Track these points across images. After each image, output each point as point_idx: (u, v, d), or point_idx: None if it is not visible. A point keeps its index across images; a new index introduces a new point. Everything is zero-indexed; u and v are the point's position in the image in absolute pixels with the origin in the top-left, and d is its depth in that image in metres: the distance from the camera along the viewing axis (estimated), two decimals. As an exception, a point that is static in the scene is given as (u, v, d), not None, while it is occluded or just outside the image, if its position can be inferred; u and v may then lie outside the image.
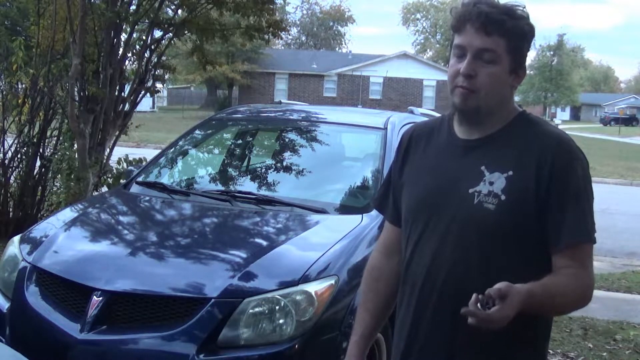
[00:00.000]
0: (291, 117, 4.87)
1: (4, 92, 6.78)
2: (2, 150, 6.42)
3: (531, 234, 1.60)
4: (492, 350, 1.63)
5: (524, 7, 1.65)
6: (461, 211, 1.64)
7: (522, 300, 1.47)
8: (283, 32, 7.32)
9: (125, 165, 6.02)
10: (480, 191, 1.62)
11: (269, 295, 2.74)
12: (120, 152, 6.48)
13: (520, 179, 1.60)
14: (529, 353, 1.67)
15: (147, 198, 3.92)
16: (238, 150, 4.84)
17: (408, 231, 1.77)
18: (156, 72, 6.71)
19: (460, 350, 1.63)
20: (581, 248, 1.60)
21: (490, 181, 1.62)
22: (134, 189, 4.03)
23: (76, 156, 5.89)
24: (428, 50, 73.01)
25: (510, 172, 1.61)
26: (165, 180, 4.19)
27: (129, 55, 6.52)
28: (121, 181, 5.17)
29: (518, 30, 1.61)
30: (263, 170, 4.40)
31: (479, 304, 1.44)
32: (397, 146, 1.92)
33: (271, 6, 6.76)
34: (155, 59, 6.57)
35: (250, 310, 2.69)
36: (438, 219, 1.68)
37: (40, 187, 6.58)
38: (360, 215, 3.41)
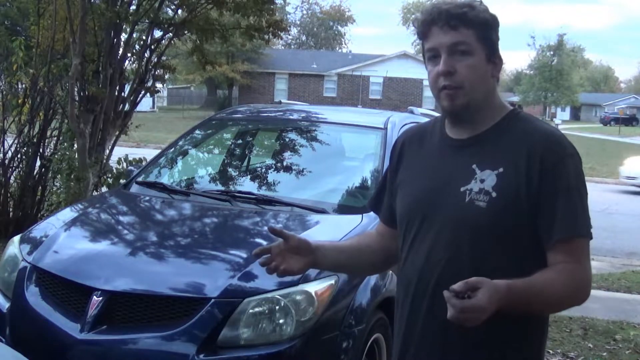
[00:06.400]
0: (291, 117, 4.87)
1: (4, 92, 6.79)
2: (2, 150, 6.42)
3: (524, 231, 1.59)
4: (484, 350, 1.63)
5: (481, 2, 1.68)
6: (453, 210, 1.64)
7: (501, 295, 1.46)
8: (283, 32, 7.33)
9: (125, 165, 6.02)
10: (471, 189, 1.62)
11: (269, 295, 2.75)
12: (120, 152, 6.48)
13: (511, 176, 1.59)
14: (523, 352, 1.66)
15: (147, 198, 3.92)
16: (238, 150, 4.84)
17: (403, 233, 1.78)
18: (156, 72, 6.71)
19: (452, 349, 1.64)
20: (574, 243, 1.59)
21: (482, 179, 1.62)
22: (134, 189, 4.03)
23: (76, 156, 5.90)
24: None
25: (501, 169, 1.61)
26: (165, 180, 4.19)
27: (129, 55, 6.53)
28: (121, 181, 5.17)
29: (481, 19, 1.63)
30: (263, 170, 4.40)
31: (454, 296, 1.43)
32: (391, 150, 1.94)
33: (271, 6, 6.76)
34: (155, 59, 6.57)
35: (250, 310, 2.70)
36: (432, 219, 1.69)
37: (40, 187, 6.58)
38: (360, 215, 3.41)
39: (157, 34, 6.66)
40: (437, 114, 2.09)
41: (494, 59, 1.67)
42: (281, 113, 4.97)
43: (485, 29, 1.64)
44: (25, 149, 6.50)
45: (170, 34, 6.65)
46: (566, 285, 1.58)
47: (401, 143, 1.88)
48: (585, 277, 1.60)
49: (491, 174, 1.61)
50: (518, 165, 1.59)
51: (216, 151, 4.98)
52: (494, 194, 1.59)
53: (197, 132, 4.70)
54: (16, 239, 3.42)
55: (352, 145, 4.58)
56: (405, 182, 1.81)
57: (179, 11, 6.88)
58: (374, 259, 1.94)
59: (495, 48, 1.67)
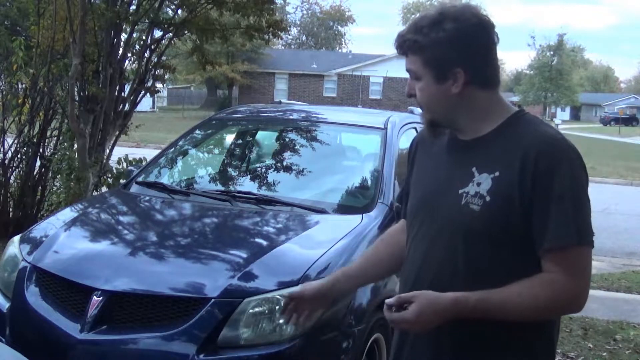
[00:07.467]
0: (291, 117, 4.87)
1: (4, 92, 6.78)
2: (2, 150, 6.42)
3: (519, 234, 1.57)
4: (476, 351, 1.62)
5: (442, 12, 1.60)
6: (450, 212, 1.64)
7: (442, 307, 1.53)
8: (283, 32, 7.33)
9: (125, 165, 6.02)
10: (467, 192, 1.62)
11: (269, 295, 2.75)
12: (120, 152, 6.47)
13: (505, 180, 1.57)
14: (520, 357, 1.63)
15: (147, 198, 3.92)
16: (238, 150, 4.84)
17: (407, 232, 1.82)
18: (156, 72, 6.70)
19: (444, 349, 1.65)
20: (565, 253, 1.54)
21: (478, 182, 1.61)
22: (134, 189, 4.03)
23: (76, 156, 5.89)
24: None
25: (497, 173, 1.59)
26: (165, 180, 4.19)
27: (129, 55, 6.52)
28: (121, 181, 5.17)
29: (426, 43, 1.61)
30: (263, 170, 4.40)
31: (393, 308, 1.57)
32: (408, 151, 1.98)
33: (271, 6, 6.76)
34: (155, 59, 6.56)
35: (250, 310, 2.70)
36: (431, 220, 1.70)
37: (40, 187, 6.58)
38: (360, 215, 3.41)
39: (157, 34, 6.66)
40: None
41: (450, 75, 1.61)
42: (281, 113, 4.98)
43: (432, 50, 1.60)
44: (25, 149, 6.50)
45: (170, 34, 6.65)
46: (541, 298, 1.53)
47: (415, 144, 1.92)
48: (570, 288, 1.54)
49: (487, 178, 1.60)
50: (513, 169, 1.57)
51: (216, 151, 4.99)
52: (487, 198, 1.58)
53: (197, 132, 4.70)
54: (16, 239, 3.42)
55: (352, 145, 4.58)
56: (415, 182, 1.84)
57: (179, 11, 6.88)
58: (394, 265, 1.93)
59: (447, 66, 1.60)
